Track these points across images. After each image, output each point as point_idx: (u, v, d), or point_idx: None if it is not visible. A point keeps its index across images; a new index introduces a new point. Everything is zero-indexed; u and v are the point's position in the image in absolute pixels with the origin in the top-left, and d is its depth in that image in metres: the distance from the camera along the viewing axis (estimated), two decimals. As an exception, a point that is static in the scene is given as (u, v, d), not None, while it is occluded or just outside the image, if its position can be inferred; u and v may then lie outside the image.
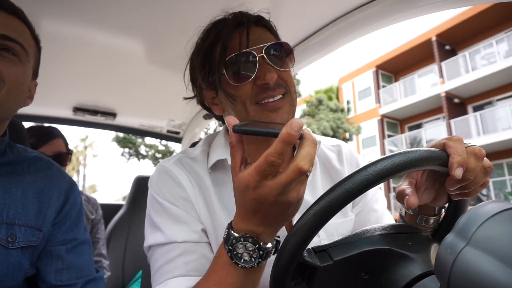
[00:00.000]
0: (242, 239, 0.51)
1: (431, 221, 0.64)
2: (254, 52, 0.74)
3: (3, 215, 0.75)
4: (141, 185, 2.36)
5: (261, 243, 0.51)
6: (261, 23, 0.83)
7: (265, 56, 0.74)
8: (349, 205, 0.88)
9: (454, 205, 0.61)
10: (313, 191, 0.83)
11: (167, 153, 17.34)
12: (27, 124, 1.78)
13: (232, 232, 0.52)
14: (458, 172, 0.50)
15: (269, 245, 0.52)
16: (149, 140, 17.14)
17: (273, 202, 0.47)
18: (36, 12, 0.99)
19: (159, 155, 17.28)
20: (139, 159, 17.48)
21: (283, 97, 0.76)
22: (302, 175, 0.44)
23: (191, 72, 0.87)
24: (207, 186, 0.80)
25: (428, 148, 0.50)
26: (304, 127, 0.46)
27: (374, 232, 0.52)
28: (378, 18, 1.02)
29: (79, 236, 0.89)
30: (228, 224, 0.54)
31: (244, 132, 0.46)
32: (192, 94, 0.91)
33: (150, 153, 17.30)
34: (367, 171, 0.44)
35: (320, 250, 0.50)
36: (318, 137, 0.86)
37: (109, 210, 2.38)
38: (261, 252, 0.51)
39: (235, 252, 0.52)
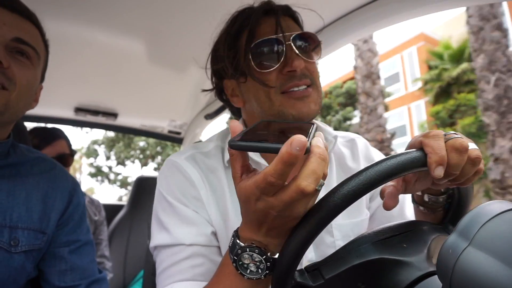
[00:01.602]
0: (248, 249, 0.47)
1: (440, 199, 0.61)
2: (281, 39, 0.73)
3: (6, 218, 0.74)
4: (142, 186, 2.37)
5: (269, 254, 0.47)
6: (290, 13, 0.82)
7: (292, 44, 0.73)
8: (365, 203, 0.86)
9: (458, 191, 0.60)
10: (328, 189, 0.81)
11: (124, 182, 21.02)
12: (29, 125, 1.79)
13: (238, 241, 0.49)
14: (437, 172, 0.47)
15: (278, 255, 0.48)
16: (116, 169, 21.12)
17: (277, 216, 0.43)
18: (37, 12, 0.99)
19: (121, 179, 21.27)
20: (109, 183, 21.16)
21: (309, 87, 0.74)
22: (305, 196, 0.40)
23: (214, 61, 0.84)
24: (222, 183, 0.77)
25: (401, 153, 0.47)
26: (310, 139, 0.41)
27: (365, 242, 0.50)
28: (382, 17, 1.01)
29: (82, 237, 0.89)
30: (234, 231, 0.51)
31: (241, 149, 0.42)
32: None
33: (116, 178, 21.52)
34: (335, 196, 0.42)
35: (313, 269, 0.49)
36: (334, 132, 0.83)
37: (111, 210, 2.39)
38: (268, 263, 0.47)
39: (240, 263, 0.48)
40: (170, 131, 2.25)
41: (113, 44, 1.29)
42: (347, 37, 1.15)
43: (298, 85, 0.72)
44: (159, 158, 19.22)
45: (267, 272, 0.48)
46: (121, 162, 20.14)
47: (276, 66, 0.73)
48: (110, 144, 19.56)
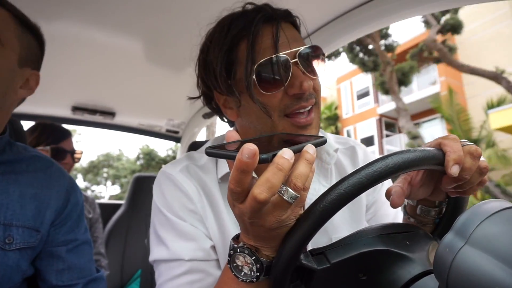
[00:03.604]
0: (239, 249, 0.48)
1: (432, 212, 0.62)
2: (287, 56, 0.66)
3: (0, 216, 0.74)
4: (140, 185, 2.36)
5: (259, 256, 0.48)
6: (290, 19, 0.74)
7: (298, 62, 0.67)
8: (363, 214, 0.85)
9: (454, 200, 0.61)
10: None
11: (95, 197, 26.22)
12: (26, 124, 1.78)
13: (233, 243, 0.50)
14: (454, 170, 0.49)
15: (268, 257, 0.49)
16: (91, 188, 25.62)
17: (251, 223, 0.45)
18: (34, 12, 0.98)
19: (94, 195, 27.01)
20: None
21: (312, 110, 0.70)
22: (260, 205, 0.41)
23: (203, 69, 0.77)
24: (217, 198, 0.75)
25: (423, 148, 0.50)
26: (276, 151, 0.42)
27: (371, 233, 0.52)
28: (381, 16, 1.02)
29: (80, 237, 0.89)
30: (235, 235, 0.53)
31: (213, 155, 0.45)
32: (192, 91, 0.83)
33: (91, 194, 27.94)
34: (361, 174, 0.44)
35: (318, 253, 0.50)
36: (336, 144, 0.82)
37: (108, 209, 2.38)
38: (258, 265, 0.47)
39: (234, 264, 0.49)
40: (168, 130, 2.24)
41: (111, 43, 1.28)
42: (345, 37, 1.15)
43: (305, 106, 0.68)
44: (118, 182, 24.84)
45: (258, 274, 0.48)
46: (95, 183, 25.04)
47: (282, 88, 0.67)
48: (84, 173, 24.70)
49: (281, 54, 0.66)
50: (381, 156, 0.47)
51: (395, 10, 0.98)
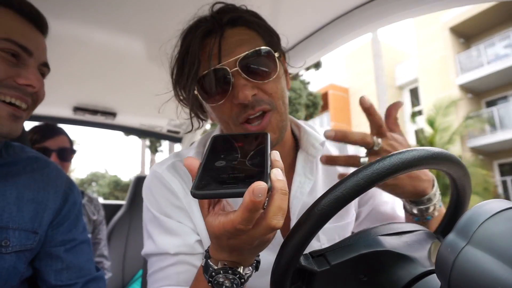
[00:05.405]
0: (221, 271, 0.47)
1: (431, 209, 0.68)
2: (226, 67, 0.65)
3: None
4: (141, 185, 2.36)
5: (242, 269, 0.48)
6: (240, 23, 0.71)
7: (239, 70, 0.65)
8: (351, 207, 0.86)
9: (455, 200, 0.61)
10: (314, 195, 0.81)
11: None
12: (27, 124, 1.78)
13: (211, 263, 0.48)
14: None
15: (249, 269, 0.49)
16: None
17: (249, 247, 0.45)
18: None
19: None
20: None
21: (265, 116, 0.69)
22: (275, 230, 0.42)
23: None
24: None
25: (421, 148, 0.49)
26: (268, 171, 0.40)
27: (372, 234, 0.52)
28: (381, 16, 1.01)
29: (78, 236, 0.88)
30: (206, 251, 0.51)
31: (205, 198, 0.40)
32: None
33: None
34: (358, 176, 0.44)
35: (318, 255, 0.50)
36: (322, 137, 0.83)
37: (109, 209, 2.38)
38: (242, 280, 0.48)
39: (216, 282, 0.48)
40: (169, 130, 2.24)
41: (112, 43, 1.28)
42: (346, 36, 1.15)
43: (251, 114, 0.67)
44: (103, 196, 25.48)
45: (241, 285, 0.48)
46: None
47: (225, 99, 0.67)
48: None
49: (219, 67, 0.66)
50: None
51: (394, 11, 0.97)
